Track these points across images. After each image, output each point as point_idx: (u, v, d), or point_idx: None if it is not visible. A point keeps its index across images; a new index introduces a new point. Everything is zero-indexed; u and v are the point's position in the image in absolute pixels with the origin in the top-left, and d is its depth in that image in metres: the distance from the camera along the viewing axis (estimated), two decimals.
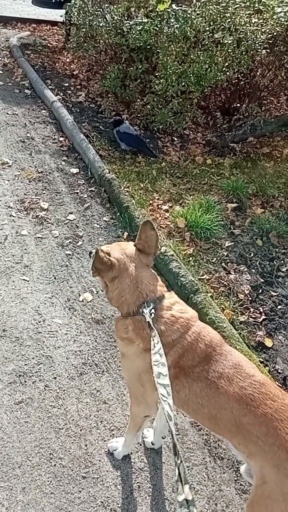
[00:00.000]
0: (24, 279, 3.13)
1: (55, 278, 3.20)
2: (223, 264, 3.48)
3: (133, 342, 1.74)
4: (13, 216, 3.71)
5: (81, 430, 2.29)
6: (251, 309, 3.13)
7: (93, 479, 2.11)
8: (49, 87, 5.97)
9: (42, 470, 2.11)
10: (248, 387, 1.56)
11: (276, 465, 1.46)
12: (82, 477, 2.12)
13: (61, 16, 7.01)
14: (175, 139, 5.29)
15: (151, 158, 4.75)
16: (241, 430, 1.54)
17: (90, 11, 5.63)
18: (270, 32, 4.77)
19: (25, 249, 3.41)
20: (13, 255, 3.32)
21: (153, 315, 1.68)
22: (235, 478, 2.23)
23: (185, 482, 1.19)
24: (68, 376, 2.54)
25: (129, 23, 5.07)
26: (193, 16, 4.73)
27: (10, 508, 1.96)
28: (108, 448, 2.22)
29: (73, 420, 2.33)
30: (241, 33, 4.72)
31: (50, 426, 2.29)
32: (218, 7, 4.76)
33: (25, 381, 2.47)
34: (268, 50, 4.85)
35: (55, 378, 2.52)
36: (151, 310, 1.69)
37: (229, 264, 3.49)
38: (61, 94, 5.89)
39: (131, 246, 1.85)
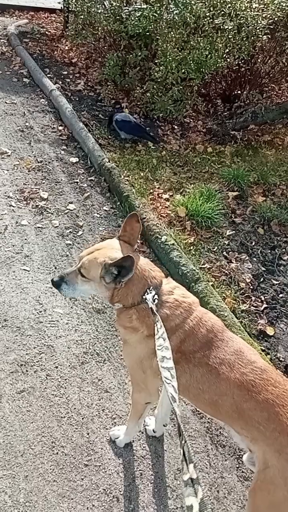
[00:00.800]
0: (24, 269, 3.13)
1: (55, 268, 3.19)
2: (224, 253, 3.47)
3: (137, 330, 1.73)
4: (13, 206, 3.69)
5: (83, 418, 2.30)
6: (253, 298, 3.12)
7: (95, 467, 2.12)
8: (48, 75, 5.91)
9: (45, 458, 2.12)
10: (249, 373, 1.56)
11: (277, 450, 1.46)
12: (84, 465, 2.12)
13: (59, 3, 6.91)
14: (176, 127, 5.25)
15: (152, 147, 4.71)
16: (242, 416, 1.54)
17: None
18: (271, 17, 4.71)
19: (25, 239, 3.39)
20: (13, 245, 3.31)
21: (156, 300, 1.68)
22: (237, 466, 2.24)
23: (189, 461, 1.19)
24: (69, 365, 2.54)
25: (128, 9, 5.01)
26: (192, 2, 4.66)
27: (13, 495, 1.97)
28: (110, 436, 2.23)
29: (75, 408, 2.34)
30: (242, 18, 4.65)
31: (52, 414, 2.29)
32: None
33: (26, 371, 2.47)
34: (269, 36, 4.79)
35: (56, 367, 2.52)
36: (154, 296, 1.68)
37: (230, 252, 3.47)
38: (60, 82, 5.83)
39: (116, 241, 1.81)
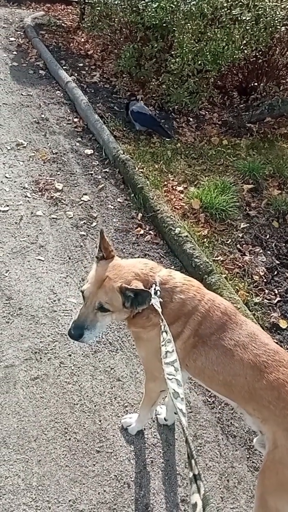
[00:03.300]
0: (39, 259, 3.16)
1: (69, 258, 3.22)
2: (238, 245, 3.45)
3: (158, 324, 1.72)
4: (28, 197, 3.73)
5: (95, 406, 2.33)
6: (266, 291, 3.11)
7: (107, 454, 2.15)
8: (64, 67, 5.92)
9: (57, 444, 2.16)
10: (262, 354, 1.58)
11: (286, 428, 1.48)
12: (96, 451, 2.16)
13: None
14: (191, 119, 5.22)
15: (166, 139, 4.70)
16: (254, 396, 1.56)
17: None
18: None
19: (40, 229, 3.43)
20: (29, 235, 3.35)
21: (158, 292, 1.69)
22: (248, 456, 2.25)
23: (191, 457, 1.21)
24: (82, 354, 2.57)
25: (144, 0, 4.97)
26: None
27: (26, 479, 2.01)
28: (122, 424, 2.25)
29: (87, 396, 2.37)
30: (260, 9, 4.60)
31: (65, 401, 2.33)
32: None
33: (40, 358, 2.51)
34: None
35: (70, 355, 2.55)
36: (155, 289, 1.69)
37: (244, 245, 3.46)
38: (76, 74, 5.83)
39: (110, 263, 1.76)
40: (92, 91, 5.54)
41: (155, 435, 2.26)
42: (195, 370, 1.72)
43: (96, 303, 1.66)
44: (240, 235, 3.55)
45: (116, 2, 5.37)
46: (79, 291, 2.93)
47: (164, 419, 2.29)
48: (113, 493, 2.02)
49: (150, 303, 1.66)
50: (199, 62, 4.71)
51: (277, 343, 2.73)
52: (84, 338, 1.69)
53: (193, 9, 4.72)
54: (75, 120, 4.99)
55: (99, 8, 5.60)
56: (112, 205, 3.83)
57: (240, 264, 3.27)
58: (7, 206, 3.58)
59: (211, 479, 2.14)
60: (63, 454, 2.13)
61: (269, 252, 3.44)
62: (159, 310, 1.64)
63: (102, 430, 2.24)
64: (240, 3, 4.64)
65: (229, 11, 4.63)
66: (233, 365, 1.61)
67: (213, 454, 2.23)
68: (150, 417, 2.23)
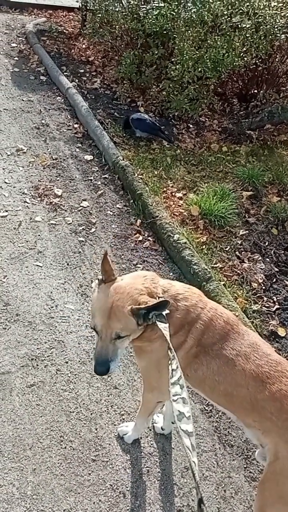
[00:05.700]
0: (37, 265, 3.15)
1: (68, 264, 3.21)
2: (236, 252, 3.45)
3: (163, 337, 1.67)
4: (27, 203, 3.73)
5: (91, 414, 2.31)
6: (265, 298, 3.10)
7: (102, 462, 2.13)
8: (65, 73, 5.93)
9: (53, 452, 2.14)
10: (264, 365, 1.57)
11: None
12: (92, 460, 2.14)
13: (77, 1, 6.94)
14: (191, 126, 5.23)
15: (166, 145, 4.70)
16: (256, 407, 1.55)
17: None
18: None
19: (39, 235, 3.42)
20: (27, 241, 3.34)
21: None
22: (245, 466, 2.23)
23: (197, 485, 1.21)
24: (79, 361, 2.56)
25: (145, 7, 5.00)
26: (210, 0, 4.63)
27: (21, 488, 1.99)
28: (118, 432, 2.24)
29: (84, 404, 2.35)
30: (260, 17, 4.61)
31: (61, 409, 2.31)
32: None
33: (37, 365, 2.49)
34: (287, 35, 4.74)
35: (66, 362, 2.54)
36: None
37: (243, 252, 3.45)
38: (77, 80, 5.85)
39: (115, 285, 1.69)
40: (93, 97, 5.55)
41: (151, 444, 2.24)
42: (196, 380, 1.70)
43: (112, 334, 1.61)
44: (239, 242, 3.54)
45: (117, 9, 5.39)
46: (76, 298, 2.94)
47: (161, 428, 2.27)
48: (109, 502, 2.00)
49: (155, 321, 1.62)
50: (199, 69, 4.72)
51: (275, 351, 2.73)
52: (111, 370, 1.65)
53: (194, 16, 4.75)
54: (75, 126, 5.00)
55: (100, 15, 5.63)
56: (111, 211, 3.82)
57: (238, 271, 3.26)
58: (6, 211, 3.57)
59: (208, 489, 2.12)
60: (58, 463, 2.11)
61: (268, 259, 3.43)
62: (167, 324, 1.60)
63: (98, 439, 2.22)
64: (241, 11, 4.66)
65: (229, 18, 4.65)
66: (235, 376, 1.59)
67: (210, 463, 2.21)
68: (147, 426, 2.21)
